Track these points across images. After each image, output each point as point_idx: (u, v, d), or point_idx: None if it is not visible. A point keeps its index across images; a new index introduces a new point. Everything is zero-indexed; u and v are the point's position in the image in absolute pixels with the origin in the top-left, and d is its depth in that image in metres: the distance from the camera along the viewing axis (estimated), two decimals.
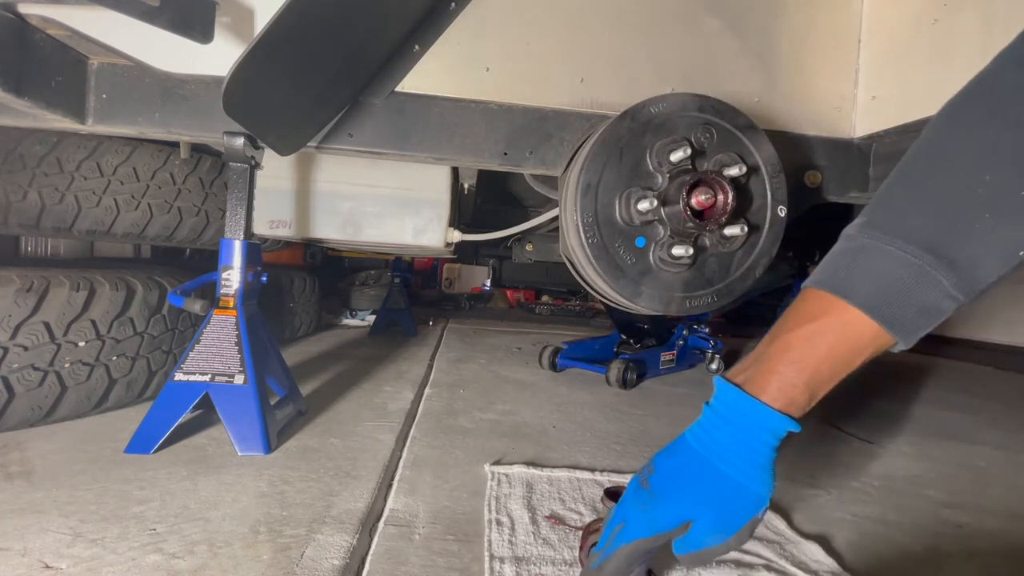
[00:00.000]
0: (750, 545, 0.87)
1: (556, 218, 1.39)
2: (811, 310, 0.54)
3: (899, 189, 0.55)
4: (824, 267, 0.56)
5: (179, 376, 1.12)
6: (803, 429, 0.54)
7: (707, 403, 0.59)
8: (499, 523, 0.89)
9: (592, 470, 1.14)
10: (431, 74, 1.15)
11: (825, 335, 0.53)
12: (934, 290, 0.50)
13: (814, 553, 0.85)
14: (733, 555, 0.84)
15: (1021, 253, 0.49)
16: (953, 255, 0.49)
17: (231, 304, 1.17)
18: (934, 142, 0.55)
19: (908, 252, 0.50)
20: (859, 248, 0.53)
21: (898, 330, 0.51)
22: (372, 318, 3.23)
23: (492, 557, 0.79)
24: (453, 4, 1.13)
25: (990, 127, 0.50)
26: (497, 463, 1.14)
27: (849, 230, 0.56)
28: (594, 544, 0.78)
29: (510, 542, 0.83)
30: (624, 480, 1.11)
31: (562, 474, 1.11)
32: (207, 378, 1.12)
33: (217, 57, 1.03)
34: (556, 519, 0.92)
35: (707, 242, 1.03)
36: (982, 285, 0.49)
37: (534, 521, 0.90)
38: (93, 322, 1.22)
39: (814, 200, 1.26)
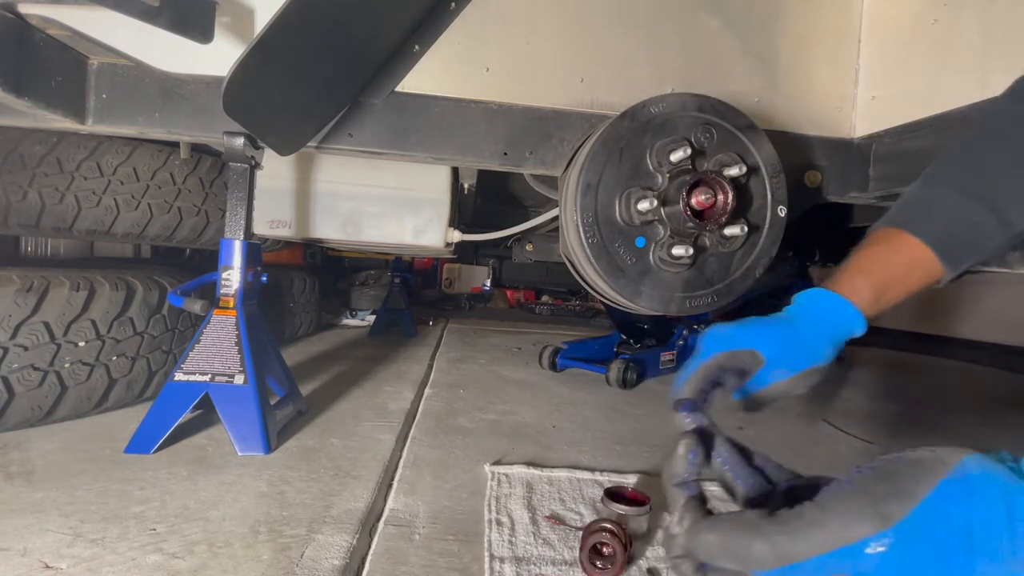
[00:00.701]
0: None
1: (556, 218, 1.39)
2: (877, 238, 0.68)
3: (952, 152, 0.69)
4: (892, 210, 0.69)
5: (179, 376, 1.12)
6: (866, 328, 0.65)
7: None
8: (499, 523, 0.89)
9: (592, 470, 1.14)
10: (431, 74, 1.15)
11: (886, 252, 0.67)
12: (977, 228, 0.62)
13: None
14: None
15: None
16: (995, 202, 0.61)
17: (231, 304, 1.17)
18: (981, 121, 0.69)
19: (959, 196, 0.63)
20: (920, 196, 0.68)
21: (945, 254, 0.63)
22: (372, 318, 3.23)
23: (492, 557, 0.79)
24: (453, 4, 1.13)
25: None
26: (497, 463, 1.14)
27: (912, 185, 0.70)
28: (595, 545, 0.78)
29: (510, 542, 0.84)
30: (624, 480, 1.11)
31: (562, 474, 1.11)
32: (207, 378, 1.12)
33: (217, 57, 1.03)
34: (556, 519, 0.92)
35: (707, 242, 1.03)
36: (1017, 229, 0.61)
37: (534, 521, 0.90)
38: (93, 322, 1.22)
39: (814, 200, 1.26)
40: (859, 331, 0.64)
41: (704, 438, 0.48)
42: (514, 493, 1.01)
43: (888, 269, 0.66)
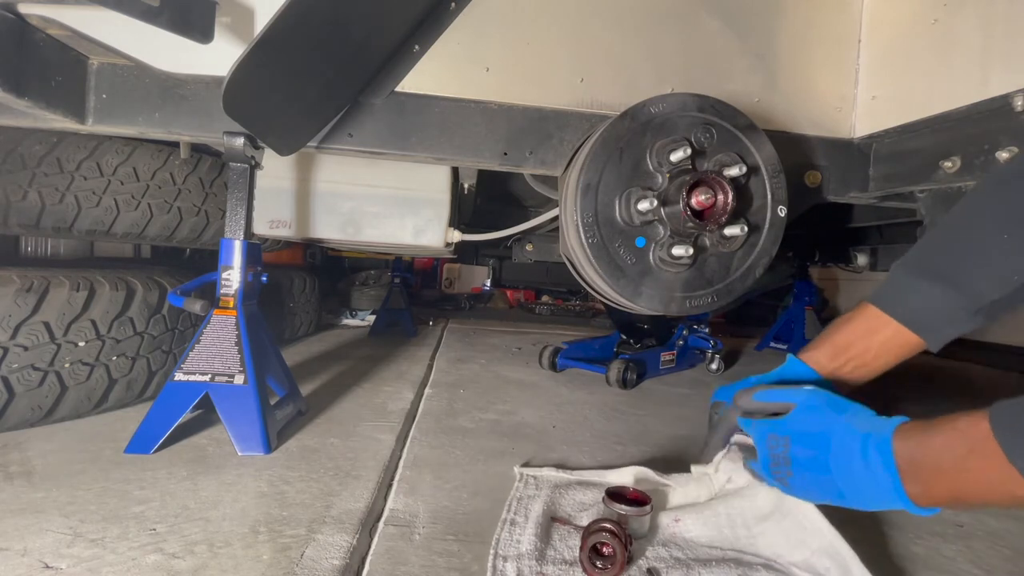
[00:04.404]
0: (749, 545, 0.87)
1: (556, 218, 1.39)
2: (854, 312, 0.86)
3: (930, 234, 0.82)
4: (877, 289, 0.84)
5: (179, 376, 1.12)
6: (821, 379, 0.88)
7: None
8: (513, 523, 0.88)
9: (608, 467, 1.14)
10: (431, 74, 1.15)
11: (851, 320, 0.86)
12: (942, 303, 0.74)
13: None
14: (733, 555, 0.84)
15: (1014, 278, 0.70)
16: (956, 279, 0.74)
17: (231, 304, 1.17)
18: (953, 211, 0.80)
19: (920, 279, 0.77)
20: (895, 278, 0.82)
21: (918, 329, 0.78)
22: (372, 318, 3.23)
23: (496, 555, 0.79)
24: (453, 4, 1.13)
25: (995, 198, 0.75)
26: (527, 464, 1.13)
27: (895, 267, 0.83)
28: (595, 545, 0.78)
29: (517, 542, 0.83)
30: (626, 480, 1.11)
31: (592, 478, 1.08)
32: (207, 378, 1.12)
33: (217, 57, 1.03)
34: (560, 519, 0.92)
35: (707, 242, 1.03)
36: (987, 299, 0.71)
37: (543, 521, 0.90)
38: (93, 322, 1.22)
39: (814, 200, 1.26)
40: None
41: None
42: (539, 495, 0.99)
43: (847, 334, 0.84)
